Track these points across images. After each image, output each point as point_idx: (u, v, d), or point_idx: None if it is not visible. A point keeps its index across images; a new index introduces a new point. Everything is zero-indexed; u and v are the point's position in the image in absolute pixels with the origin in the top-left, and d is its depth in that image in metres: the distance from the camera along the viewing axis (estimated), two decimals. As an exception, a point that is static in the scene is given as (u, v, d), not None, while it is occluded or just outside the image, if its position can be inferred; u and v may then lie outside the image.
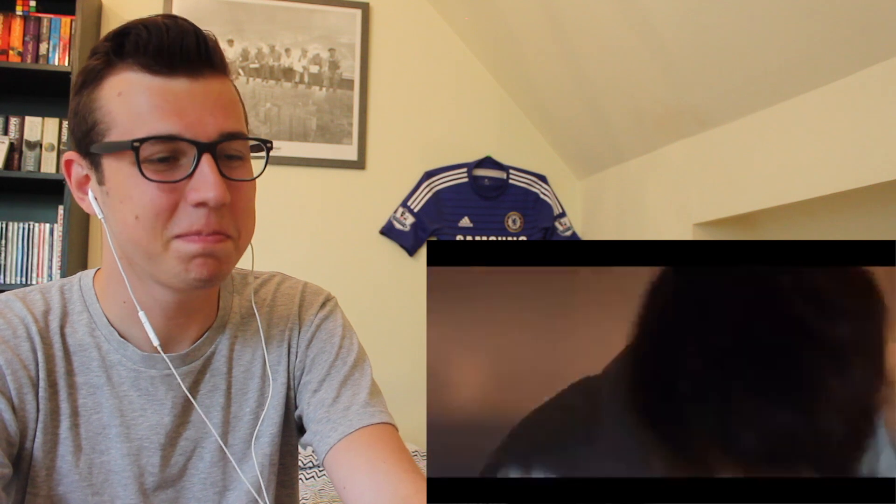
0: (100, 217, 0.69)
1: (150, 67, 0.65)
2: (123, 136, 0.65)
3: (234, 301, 0.82)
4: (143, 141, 0.63)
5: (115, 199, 0.67)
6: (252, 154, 0.73)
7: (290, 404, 0.82)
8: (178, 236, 0.66)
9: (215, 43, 0.69)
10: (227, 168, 0.67)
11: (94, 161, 0.68)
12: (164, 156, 0.64)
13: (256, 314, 0.81)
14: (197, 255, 0.66)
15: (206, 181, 0.64)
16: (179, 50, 0.65)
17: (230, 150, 0.68)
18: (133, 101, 0.65)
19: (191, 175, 0.65)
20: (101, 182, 0.68)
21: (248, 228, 0.71)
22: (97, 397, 0.73)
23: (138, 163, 0.64)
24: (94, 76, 0.67)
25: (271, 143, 0.72)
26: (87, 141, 0.67)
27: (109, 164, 0.66)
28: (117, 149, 0.65)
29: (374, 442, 0.75)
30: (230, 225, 0.68)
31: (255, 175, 0.71)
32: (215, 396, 0.77)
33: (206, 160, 0.65)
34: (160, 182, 0.64)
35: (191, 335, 0.77)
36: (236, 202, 0.68)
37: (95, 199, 0.69)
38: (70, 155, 0.71)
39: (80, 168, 0.70)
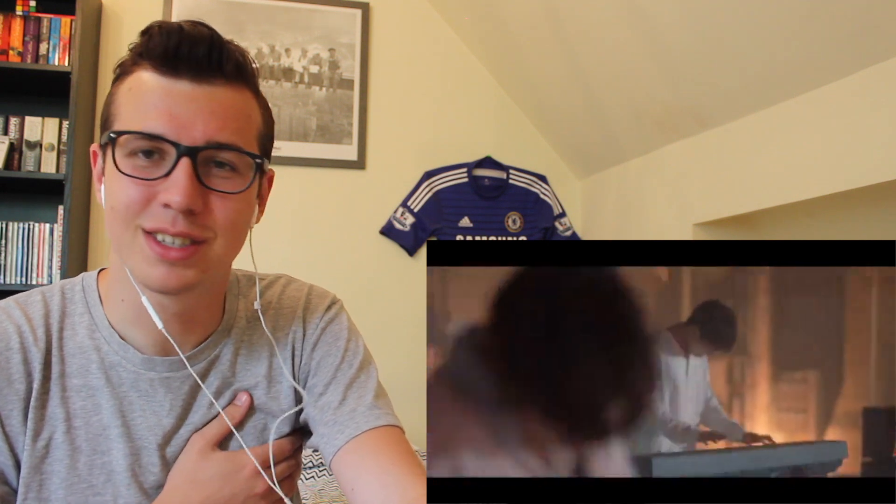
0: (104, 206, 0.70)
1: (158, 68, 0.66)
2: (119, 129, 0.66)
3: (240, 304, 0.82)
4: (119, 133, 0.65)
5: (106, 190, 0.69)
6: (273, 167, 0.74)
7: (295, 408, 0.81)
8: (145, 230, 0.66)
9: (237, 54, 0.69)
10: (212, 177, 0.67)
11: (103, 152, 0.70)
12: (146, 150, 0.65)
13: (261, 319, 0.81)
14: (159, 263, 0.66)
15: (176, 184, 0.64)
16: (187, 54, 0.66)
17: (220, 158, 0.67)
18: (137, 98, 0.66)
19: (167, 175, 0.65)
20: (104, 173, 0.70)
21: (227, 238, 0.69)
22: (97, 399, 0.73)
23: (113, 154, 0.65)
24: (121, 72, 0.69)
25: (263, 159, 0.71)
26: (101, 133, 0.70)
27: (107, 155, 0.68)
28: (105, 140, 0.67)
29: (381, 444, 0.75)
30: (200, 230, 0.67)
31: (240, 189, 0.68)
32: (219, 401, 0.77)
33: (184, 164, 0.65)
34: (133, 177, 0.65)
35: (194, 339, 0.76)
36: (214, 212, 0.67)
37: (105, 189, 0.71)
38: (94, 146, 0.73)
39: (101, 160, 0.72)
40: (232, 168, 0.68)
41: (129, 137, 0.65)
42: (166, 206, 0.65)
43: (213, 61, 0.67)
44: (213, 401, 0.76)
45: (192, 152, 0.65)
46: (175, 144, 0.65)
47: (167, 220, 0.65)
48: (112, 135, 0.65)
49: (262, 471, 0.76)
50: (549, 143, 2.89)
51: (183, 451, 0.76)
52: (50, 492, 0.71)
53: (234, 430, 0.77)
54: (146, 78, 0.66)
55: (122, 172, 0.65)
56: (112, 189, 0.67)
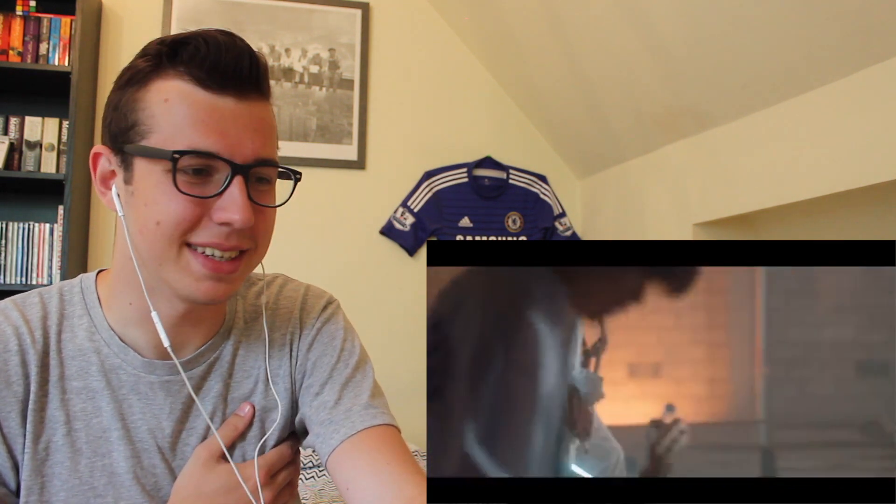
0: (120, 214, 0.69)
1: (201, 81, 0.65)
2: (163, 143, 0.65)
3: (238, 305, 0.82)
4: (182, 153, 0.64)
5: (140, 202, 0.67)
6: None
7: (292, 408, 0.82)
8: (191, 244, 0.66)
9: (266, 68, 0.70)
10: (256, 192, 0.69)
11: (126, 159, 0.68)
12: (199, 168, 0.65)
13: (264, 318, 0.81)
14: (208, 278, 0.67)
15: (234, 203, 0.65)
16: (234, 69, 0.66)
17: (261, 174, 0.69)
18: (178, 110, 0.65)
19: (220, 193, 0.66)
20: (127, 181, 0.68)
21: (263, 247, 0.73)
22: (97, 401, 0.73)
23: (174, 174, 0.64)
24: (141, 76, 0.67)
25: (300, 174, 0.74)
26: (123, 139, 0.67)
27: (141, 167, 0.66)
28: (156, 155, 0.65)
29: (376, 443, 0.75)
30: (248, 241, 0.70)
31: (279, 203, 0.73)
32: (218, 402, 0.78)
33: (238, 182, 0.66)
34: (190, 195, 0.65)
35: (195, 341, 0.77)
36: (258, 224, 0.70)
37: (118, 196, 0.69)
38: (99, 148, 0.71)
39: (107, 163, 0.70)
40: (268, 181, 0.71)
41: (186, 156, 0.64)
42: (223, 223, 0.66)
43: (252, 77, 0.67)
44: (207, 418, 0.76)
45: (244, 170, 0.66)
46: (229, 163, 0.65)
47: (220, 236, 0.66)
48: (175, 155, 0.64)
49: (259, 489, 0.76)
50: (549, 143, 2.89)
51: (188, 461, 0.76)
52: (51, 494, 0.71)
53: (224, 450, 0.77)
54: (186, 90, 0.65)
55: (182, 192, 0.64)
56: (158, 204, 0.65)
